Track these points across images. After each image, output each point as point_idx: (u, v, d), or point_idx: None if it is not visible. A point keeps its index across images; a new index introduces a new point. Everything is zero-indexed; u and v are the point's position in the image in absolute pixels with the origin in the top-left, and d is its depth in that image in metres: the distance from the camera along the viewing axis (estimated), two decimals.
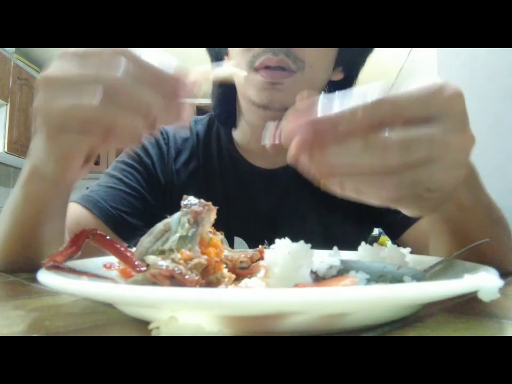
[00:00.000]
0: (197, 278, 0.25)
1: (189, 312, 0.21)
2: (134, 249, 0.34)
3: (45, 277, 0.24)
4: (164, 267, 0.24)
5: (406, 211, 0.32)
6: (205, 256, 0.27)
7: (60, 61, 0.33)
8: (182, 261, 0.25)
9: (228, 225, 0.32)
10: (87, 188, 0.68)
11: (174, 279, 0.24)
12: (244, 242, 0.66)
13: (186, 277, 0.24)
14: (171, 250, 0.27)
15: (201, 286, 0.25)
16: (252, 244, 0.65)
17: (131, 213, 0.66)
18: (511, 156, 1.89)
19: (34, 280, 0.25)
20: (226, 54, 0.66)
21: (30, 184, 0.42)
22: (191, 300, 0.18)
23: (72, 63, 0.32)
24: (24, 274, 0.45)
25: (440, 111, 0.28)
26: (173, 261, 0.25)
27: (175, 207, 0.31)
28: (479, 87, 1.98)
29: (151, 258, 0.26)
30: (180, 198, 0.31)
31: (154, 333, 0.20)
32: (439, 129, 0.28)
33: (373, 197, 0.30)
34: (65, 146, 0.34)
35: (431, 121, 0.28)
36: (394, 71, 3.21)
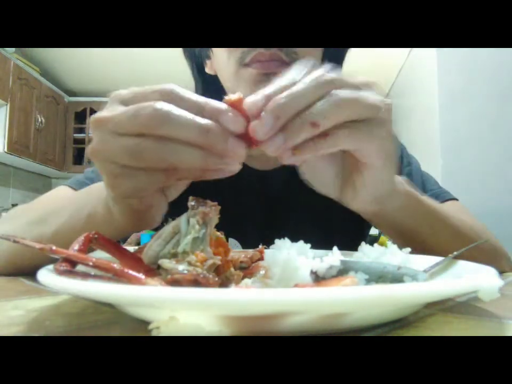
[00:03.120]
0: (216, 279, 0.25)
1: (189, 312, 0.21)
2: (131, 248, 0.33)
3: (45, 277, 0.23)
4: (186, 272, 0.24)
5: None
6: (219, 257, 0.27)
7: (109, 105, 0.32)
8: (198, 263, 0.25)
9: (221, 226, 0.32)
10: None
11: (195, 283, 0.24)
12: (237, 243, 0.66)
13: (210, 280, 0.24)
14: (185, 252, 0.26)
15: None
16: (246, 245, 0.64)
17: None
18: (511, 156, 1.89)
19: (34, 280, 0.25)
20: (208, 57, 0.64)
21: (101, 224, 0.40)
22: (191, 300, 0.18)
23: (121, 105, 0.31)
24: (24, 274, 0.45)
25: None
26: (190, 263, 0.25)
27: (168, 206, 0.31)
28: (479, 87, 1.98)
29: (166, 263, 0.26)
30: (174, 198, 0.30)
31: (154, 333, 0.20)
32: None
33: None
34: (129, 191, 0.33)
35: None
36: (394, 71, 3.21)
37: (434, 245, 0.47)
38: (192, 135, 0.29)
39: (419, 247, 0.44)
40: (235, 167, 0.31)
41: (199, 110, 0.29)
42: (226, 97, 0.30)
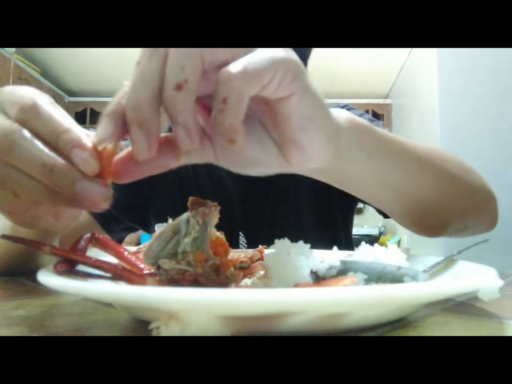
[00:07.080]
0: (216, 279, 0.25)
1: (189, 312, 0.21)
2: (130, 248, 0.33)
3: (45, 277, 0.23)
4: (186, 272, 0.24)
5: None
6: (219, 257, 0.27)
7: None
8: (198, 263, 0.25)
9: (230, 222, 0.31)
10: None
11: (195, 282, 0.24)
12: (243, 237, 0.69)
13: (210, 280, 0.24)
14: (185, 252, 0.27)
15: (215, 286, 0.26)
16: (251, 240, 0.67)
17: (114, 205, 0.66)
18: (511, 156, 1.89)
19: (34, 280, 0.25)
20: None
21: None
22: (191, 299, 0.18)
23: None
24: (24, 274, 0.45)
25: None
26: (189, 264, 0.25)
27: (173, 199, 0.30)
28: (479, 87, 1.98)
29: (166, 263, 0.26)
30: (185, 191, 0.29)
31: (154, 333, 0.20)
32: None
33: None
34: None
35: None
36: (394, 71, 3.21)
37: (426, 193, 0.41)
38: (35, 171, 0.25)
39: (414, 203, 0.39)
40: (96, 206, 0.26)
41: (54, 136, 0.25)
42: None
